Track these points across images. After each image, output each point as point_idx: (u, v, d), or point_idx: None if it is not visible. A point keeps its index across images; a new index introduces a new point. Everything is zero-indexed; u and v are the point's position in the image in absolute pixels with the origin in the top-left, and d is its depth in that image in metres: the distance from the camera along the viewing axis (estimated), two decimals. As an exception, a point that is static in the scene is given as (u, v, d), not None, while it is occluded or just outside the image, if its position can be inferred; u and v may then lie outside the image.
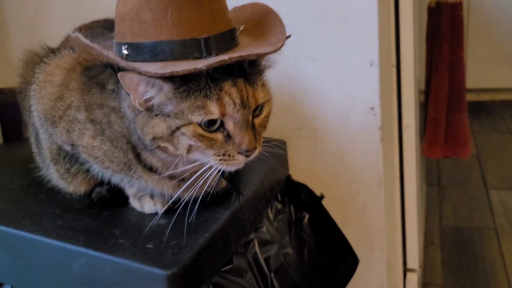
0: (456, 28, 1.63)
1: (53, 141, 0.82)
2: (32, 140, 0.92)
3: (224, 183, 0.81)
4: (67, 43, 0.89)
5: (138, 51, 0.66)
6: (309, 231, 1.00)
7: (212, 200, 0.76)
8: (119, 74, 0.65)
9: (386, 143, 1.18)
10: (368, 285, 1.29)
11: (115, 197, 0.83)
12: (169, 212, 0.76)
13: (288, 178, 1.01)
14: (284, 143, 1.02)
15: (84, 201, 0.84)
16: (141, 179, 0.77)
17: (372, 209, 1.20)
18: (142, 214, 0.79)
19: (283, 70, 1.08)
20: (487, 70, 3.31)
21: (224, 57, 0.62)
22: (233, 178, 0.82)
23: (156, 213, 0.78)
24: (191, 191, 0.73)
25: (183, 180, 0.75)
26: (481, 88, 3.42)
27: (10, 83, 1.23)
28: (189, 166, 0.71)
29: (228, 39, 0.69)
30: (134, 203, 0.81)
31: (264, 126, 0.74)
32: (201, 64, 0.61)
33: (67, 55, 0.83)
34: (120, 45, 0.68)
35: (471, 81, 3.31)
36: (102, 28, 0.92)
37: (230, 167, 0.70)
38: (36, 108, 0.82)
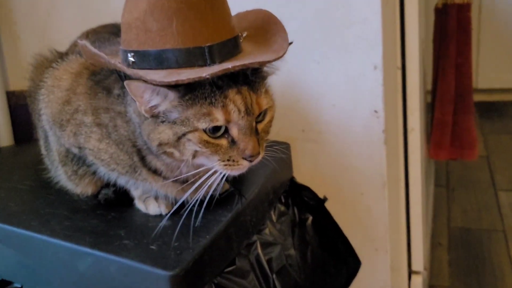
0: (463, 29, 1.63)
1: (61, 143, 0.84)
2: (41, 142, 0.94)
3: (227, 185, 0.83)
4: (74, 48, 0.91)
5: (144, 59, 0.68)
6: (312, 232, 1.01)
7: (215, 203, 0.78)
8: (125, 82, 0.67)
9: (390, 145, 1.19)
10: (372, 287, 1.29)
11: (121, 199, 0.85)
12: (172, 214, 0.78)
13: (292, 180, 1.02)
14: (288, 145, 1.03)
15: (91, 202, 0.86)
16: (146, 181, 0.79)
17: (376, 211, 1.21)
18: (146, 216, 0.81)
19: (287, 73, 1.09)
20: (498, 70, 3.29)
21: (228, 65, 0.64)
22: (236, 181, 0.83)
23: (160, 215, 0.80)
24: (196, 194, 0.74)
25: (187, 182, 0.77)
26: (492, 88, 3.39)
27: (22, 86, 1.26)
28: (193, 172, 0.73)
29: (231, 47, 0.70)
30: (139, 204, 0.83)
31: (267, 131, 0.75)
32: (205, 72, 0.63)
33: (74, 60, 0.85)
34: (126, 52, 0.70)
35: (482, 81, 3.30)
36: (109, 33, 0.94)
37: (234, 172, 0.72)
38: (45, 112, 0.84)
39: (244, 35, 0.75)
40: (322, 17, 1.11)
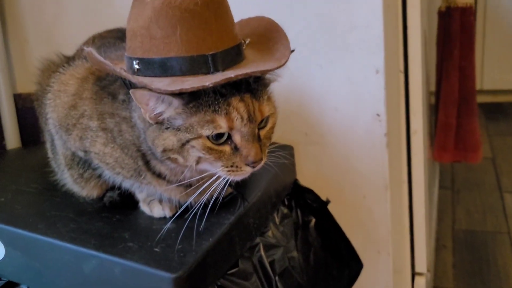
0: (467, 32, 1.63)
1: (67, 147, 0.86)
2: (48, 145, 0.96)
3: (230, 189, 0.84)
4: (81, 53, 0.92)
5: (149, 66, 0.69)
6: (315, 234, 1.02)
7: (218, 206, 0.79)
8: (131, 91, 0.68)
9: (392, 148, 1.19)
10: (374, 289, 1.30)
11: (126, 201, 0.86)
12: (176, 217, 0.79)
13: (295, 182, 1.03)
14: (291, 148, 1.04)
15: (96, 204, 0.87)
16: (150, 185, 0.80)
17: (378, 213, 1.21)
18: (151, 218, 0.82)
19: (290, 77, 1.09)
20: (504, 71, 3.28)
21: (231, 74, 0.65)
22: (239, 185, 0.84)
23: (165, 217, 0.82)
24: (199, 198, 0.76)
25: (190, 186, 0.78)
26: (497, 89, 3.38)
27: (29, 88, 1.28)
28: (197, 177, 0.74)
29: (234, 54, 0.71)
30: (143, 207, 0.84)
31: (269, 137, 0.76)
32: (209, 81, 0.64)
33: (80, 65, 0.87)
34: (131, 59, 0.71)
35: (487, 82, 3.30)
36: (115, 38, 0.96)
37: (237, 177, 0.73)
38: (51, 116, 0.86)
39: (247, 42, 0.76)
40: (324, 21, 1.12)
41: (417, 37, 1.23)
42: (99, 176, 0.85)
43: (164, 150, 0.71)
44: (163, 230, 0.76)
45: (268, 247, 0.87)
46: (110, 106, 0.78)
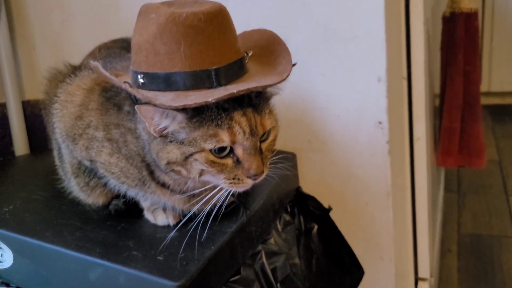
0: (471, 37, 1.63)
1: (73, 156, 0.87)
2: (55, 153, 0.97)
3: (232, 198, 0.85)
4: (87, 63, 0.94)
5: (153, 81, 0.71)
6: (317, 241, 1.03)
7: (221, 215, 0.80)
8: (136, 107, 0.70)
9: (394, 155, 1.20)
10: (377, 294, 1.31)
11: (131, 210, 0.88)
12: (179, 226, 0.80)
13: (298, 190, 1.04)
14: (294, 156, 1.06)
15: (102, 212, 0.89)
16: (155, 194, 0.82)
17: (380, 220, 1.22)
18: (155, 226, 0.84)
19: (293, 85, 1.10)
20: (511, 73, 3.27)
21: (233, 90, 0.66)
22: (240, 194, 0.86)
23: (168, 226, 0.83)
24: (202, 208, 0.77)
25: (194, 195, 0.79)
26: (505, 91, 3.37)
27: (37, 95, 1.30)
28: (201, 189, 0.76)
29: (237, 68, 0.73)
30: (148, 215, 0.86)
31: (271, 150, 0.77)
32: (211, 97, 0.65)
33: (87, 76, 0.88)
34: (136, 74, 0.72)
35: (495, 84, 3.29)
36: (120, 48, 0.97)
37: (239, 189, 0.74)
38: (58, 126, 0.87)
39: (249, 54, 0.78)
40: (327, 30, 1.13)
41: (420, 44, 1.24)
42: (105, 184, 0.87)
43: (168, 163, 0.73)
44: (166, 239, 0.77)
45: (270, 255, 0.88)
46: (116, 117, 0.79)
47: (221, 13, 0.71)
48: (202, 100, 0.65)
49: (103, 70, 0.74)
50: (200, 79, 0.69)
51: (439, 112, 1.78)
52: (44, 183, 1.02)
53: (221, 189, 0.74)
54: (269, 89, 0.76)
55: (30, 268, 0.81)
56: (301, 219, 1.03)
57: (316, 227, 1.04)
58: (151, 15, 0.71)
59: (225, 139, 0.69)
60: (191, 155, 0.71)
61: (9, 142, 1.30)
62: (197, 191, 0.77)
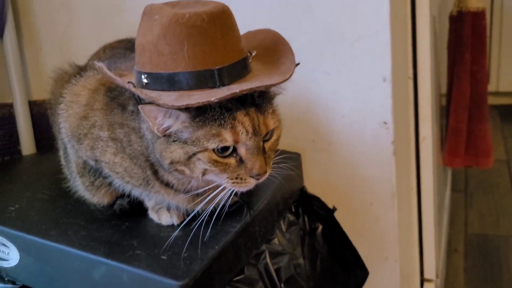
0: (478, 36, 1.62)
1: (79, 156, 0.88)
2: (61, 153, 0.98)
3: (235, 198, 0.85)
4: (92, 64, 0.95)
5: (157, 81, 0.71)
6: (322, 241, 1.03)
7: (224, 214, 0.80)
8: (139, 106, 0.70)
9: (400, 156, 1.20)
10: (382, 295, 1.30)
11: (135, 209, 0.88)
12: (183, 225, 0.81)
13: (302, 190, 1.04)
14: (298, 156, 1.05)
15: (106, 212, 0.89)
16: (159, 193, 0.82)
17: (385, 221, 1.22)
18: (159, 226, 0.84)
19: (298, 85, 1.11)
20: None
21: (236, 89, 0.67)
22: (244, 193, 0.86)
23: (172, 225, 0.84)
24: (206, 207, 0.77)
25: (197, 195, 0.80)
26: (514, 91, 3.34)
27: (43, 95, 1.31)
28: (205, 188, 0.76)
29: (240, 68, 0.73)
30: (152, 215, 0.86)
31: (274, 149, 0.77)
32: (214, 96, 0.66)
33: (92, 76, 0.89)
34: (140, 74, 0.73)
35: (503, 84, 3.26)
36: (125, 48, 0.98)
37: (242, 189, 0.75)
38: (64, 126, 0.88)
39: (253, 54, 0.78)
40: (332, 30, 1.13)
41: (426, 44, 1.23)
42: (110, 184, 0.87)
43: (172, 162, 0.73)
44: (170, 238, 0.78)
45: (274, 255, 0.88)
46: (120, 116, 0.80)
47: (224, 13, 0.72)
48: (205, 99, 0.65)
49: (107, 71, 0.74)
50: (203, 79, 0.69)
51: (446, 112, 1.77)
52: (49, 182, 1.02)
53: (224, 189, 0.74)
54: (272, 89, 0.76)
55: (35, 266, 0.82)
56: (306, 219, 1.03)
57: (320, 227, 1.04)
58: (154, 16, 0.71)
59: (228, 138, 0.70)
60: (194, 154, 0.71)
61: (16, 142, 1.31)
62: (201, 190, 0.77)
